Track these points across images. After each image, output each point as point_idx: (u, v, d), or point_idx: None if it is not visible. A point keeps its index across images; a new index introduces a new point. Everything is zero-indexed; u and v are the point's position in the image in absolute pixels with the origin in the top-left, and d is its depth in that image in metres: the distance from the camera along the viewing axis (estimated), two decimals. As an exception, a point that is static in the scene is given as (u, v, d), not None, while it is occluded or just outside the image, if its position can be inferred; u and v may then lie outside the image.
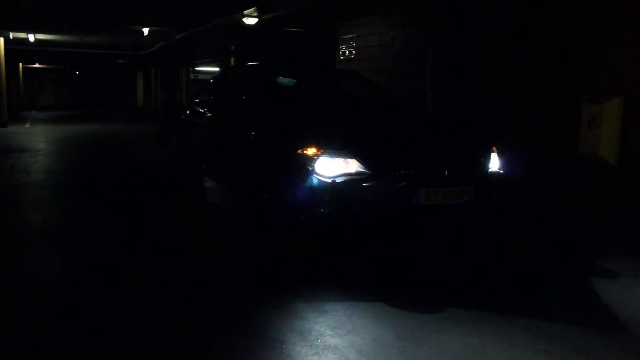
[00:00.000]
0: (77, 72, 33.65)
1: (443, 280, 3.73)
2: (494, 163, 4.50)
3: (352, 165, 3.91)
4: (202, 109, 6.56)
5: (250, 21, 11.21)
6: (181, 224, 5.25)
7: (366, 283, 3.62)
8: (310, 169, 3.92)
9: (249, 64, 6.47)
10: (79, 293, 3.41)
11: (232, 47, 18.66)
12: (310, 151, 3.96)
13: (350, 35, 10.47)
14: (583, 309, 3.29)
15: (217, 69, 30.57)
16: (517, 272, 3.99)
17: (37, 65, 29.04)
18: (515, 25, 6.78)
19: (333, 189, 3.83)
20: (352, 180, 3.88)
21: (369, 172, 3.90)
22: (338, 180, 3.84)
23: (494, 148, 4.57)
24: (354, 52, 10.47)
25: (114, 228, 4.98)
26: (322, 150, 3.95)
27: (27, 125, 17.94)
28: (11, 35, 16.28)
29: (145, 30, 13.81)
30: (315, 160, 3.92)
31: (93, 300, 3.28)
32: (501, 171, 4.53)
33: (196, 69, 30.25)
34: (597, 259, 4.23)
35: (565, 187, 6.07)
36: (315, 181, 3.89)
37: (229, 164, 5.36)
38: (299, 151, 4.02)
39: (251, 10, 10.73)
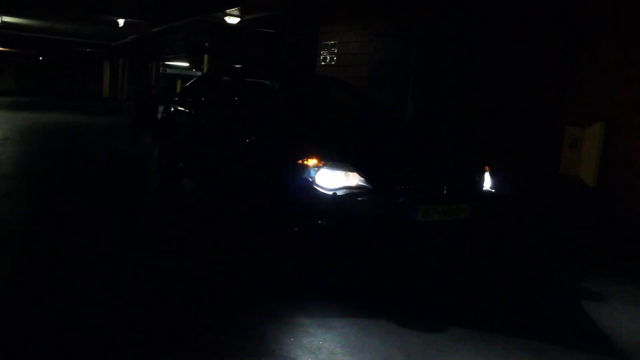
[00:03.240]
0: (41, 58, 32.59)
1: (439, 295, 3.77)
2: (487, 182, 4.57)
3: (353, 179, 3.90)
4: (186, 108, 6.45)
5: (232, 20, 11.11)
6: (157, 225, 5.14)
7: (366, 296, 3.62)
8: (311, 180, 3.88)
9: (240, 66, 6.39)
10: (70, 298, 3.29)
11: (206, 44, 18.44)
12: (311, 162, 3.93)
13: (332, 42, 10.47)
14: (580, 331, 3.37)
15: (187, 64, 30.18)
16: (509, 289, 4.06)
17: (-2, 47, 27.99)
18: (498, 43, 6.91)
19: (333, 201, 3.81)
20: (353, 194, 3.87)
21: (370, 186, 3.90)
22: (339, 193, 3.83)
23: (487, 167, 4.64)
24: (335, 58, 10.48)
25: (100, 225, 4.84)
26: (323, 162, 3.92)
27: (-13, 111, 17.29)
28: (-24, 16, 15.68)
29: (121, 22, 13.50)
30: (316, 171, 3.89)
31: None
32: (493, 190, 4.60)
33: (166, 63, 29.75)
34: (581, 281, 4.35)
35: (542, 207, 6.22)
36: (315, 193, 3.86)
37: (218, 169, 5.27)
38: (299, 161, 3.98)
39: (234, 10, 10.62)
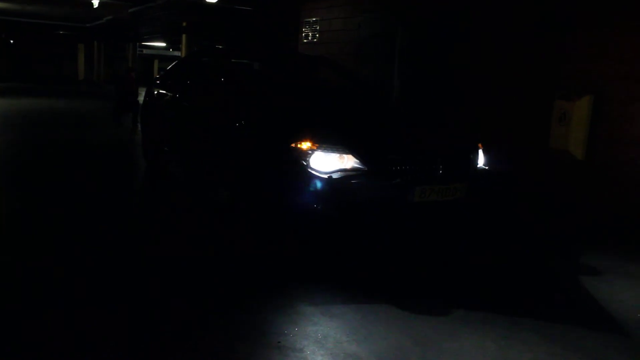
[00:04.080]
0: (12, 42, 31.69)
1: (440, 278, 3.74)
2: (480, 160, 4.53)
3: (349, 161, 3.83)
4: (170, 92, 6.28)
5: (211, -1, 10.84)
6: (161, 218, 5.03)
7: (367, 281, 3.57)
8: (305, 163, 3.80)
9: (226, 47, 6.23)
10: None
11: (184, 24, 18.04)
12: (305, 145, 3.85)
13: (314, 19, 10.31)
14: (580, 308, 3.38)
15: (164, 44, 29.61)
16: (507, 269, 4.05)
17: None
18: (490, 18, 6.83)
19: (329, 185, 3.74)
20: (348, 177, 3.80)
21: (365, 169, 3.84)
22: (334, 176, 3.76)
23: (480, 145, 4.60)
24: (317, 35, 10.33)
25: (89, 221, 4.71)
26: (317, 145, 3.84)
27: (-43, 98, 16.77)
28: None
29: (95, 2, 13.11)
30: (310, 154, 3.81)
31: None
32: (486, 167, 4.57)
33: (143, 43, 29.14)
34: (576, 256, 4.36)
35: (533, 182, 6.23)
36: (309, 177, 3.78)
37: (205, 154, 5.15)
38: (293, 145, 3.89)
39: (213, -12, 10.37)
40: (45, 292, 3.18)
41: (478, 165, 4.47)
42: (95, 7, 13.53)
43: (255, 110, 4.57)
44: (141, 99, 9.21)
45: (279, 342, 2.66)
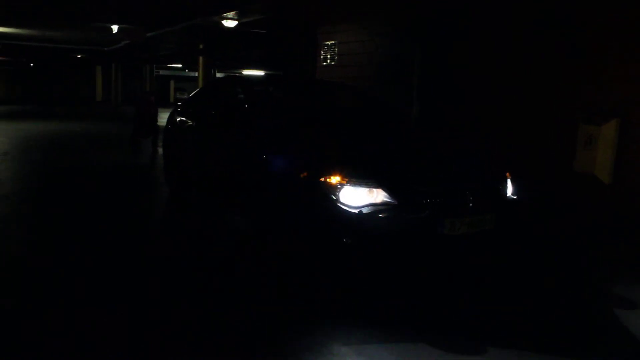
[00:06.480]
0: (32, 65, 32.32)
1: (468, 312, 3.69)
2: (509, 189, 4.49)
3: (379, 195, 3.81)
4: (193, 120, 6.32)
5: (230, 24, 10.96)
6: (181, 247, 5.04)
7: (400, 317, 3.53)
8: (335, 198, 3.79)
9: (254, 76, 6.27)
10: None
11: (201, 46, 18.27)
12: (335, 179, 3.84)
13: (332, 42, 10.36)
14: (618, 343, 3.31)
15: (180, 65, 30.00)
16: (537, 300, 3.98)
17: (-13, 56, 27.70)
18: (509, 38, 6.81)
19: (359, 219, 3.72)
20: (378, 211, 3.78)
21: (395, 202, 3.81)
22: (364, 210, 3.74)
23: (508, 174, 4.56)
24: (335, 58, 10.37)
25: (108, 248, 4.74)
26: (347, 179, 3.83)
27: (-21, 122, 17.09)
28: (-33, 27, 15.46)
29: (115, 28, 13.32)
30: (340, 189, 3.80)
31: None
32: (515, 197, 4.52)
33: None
34: (609, 284, 4.29)
35: (560, 208, 6.16)
36: (339, 211, 3.77)
37: (231, 185, 5.16)
38: (322, 179, 3.89)
39: (232, 13, 10.49)
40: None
41: (507, 195, 4.43)
42: (114, 32, 13.73)
43: (281, 143, 4.57)
44: (161, 122, 9.30)
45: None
